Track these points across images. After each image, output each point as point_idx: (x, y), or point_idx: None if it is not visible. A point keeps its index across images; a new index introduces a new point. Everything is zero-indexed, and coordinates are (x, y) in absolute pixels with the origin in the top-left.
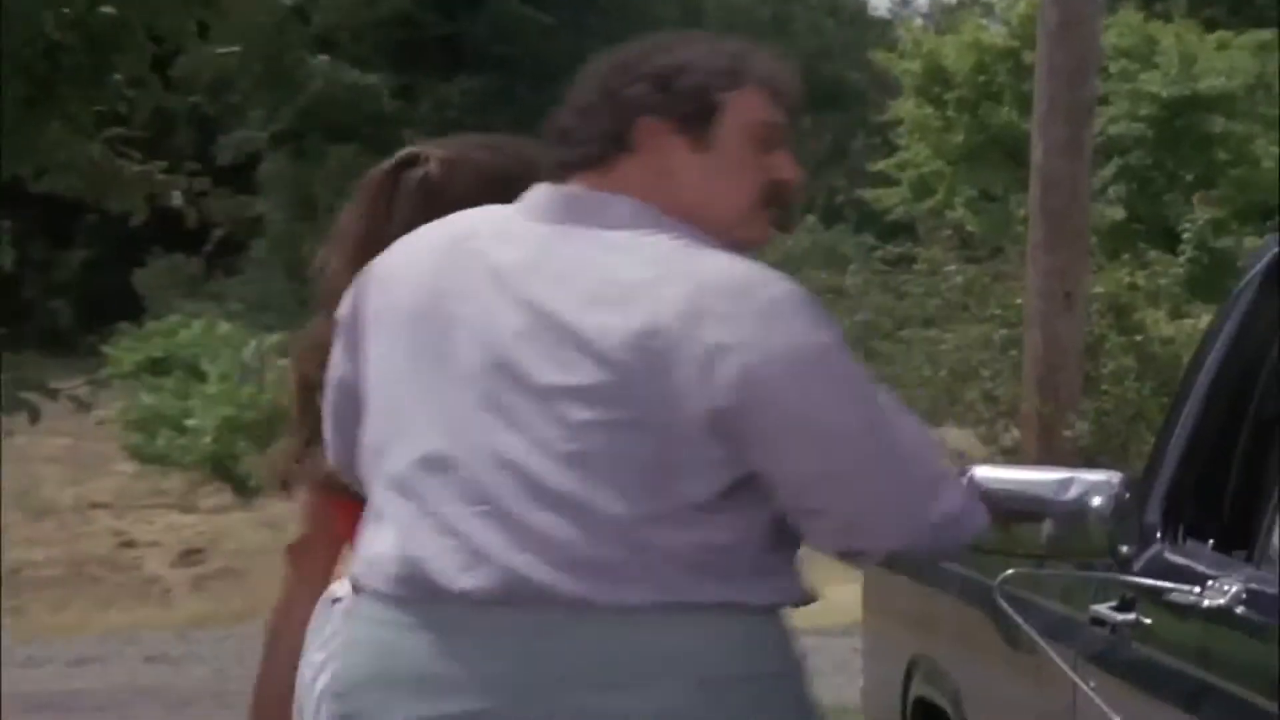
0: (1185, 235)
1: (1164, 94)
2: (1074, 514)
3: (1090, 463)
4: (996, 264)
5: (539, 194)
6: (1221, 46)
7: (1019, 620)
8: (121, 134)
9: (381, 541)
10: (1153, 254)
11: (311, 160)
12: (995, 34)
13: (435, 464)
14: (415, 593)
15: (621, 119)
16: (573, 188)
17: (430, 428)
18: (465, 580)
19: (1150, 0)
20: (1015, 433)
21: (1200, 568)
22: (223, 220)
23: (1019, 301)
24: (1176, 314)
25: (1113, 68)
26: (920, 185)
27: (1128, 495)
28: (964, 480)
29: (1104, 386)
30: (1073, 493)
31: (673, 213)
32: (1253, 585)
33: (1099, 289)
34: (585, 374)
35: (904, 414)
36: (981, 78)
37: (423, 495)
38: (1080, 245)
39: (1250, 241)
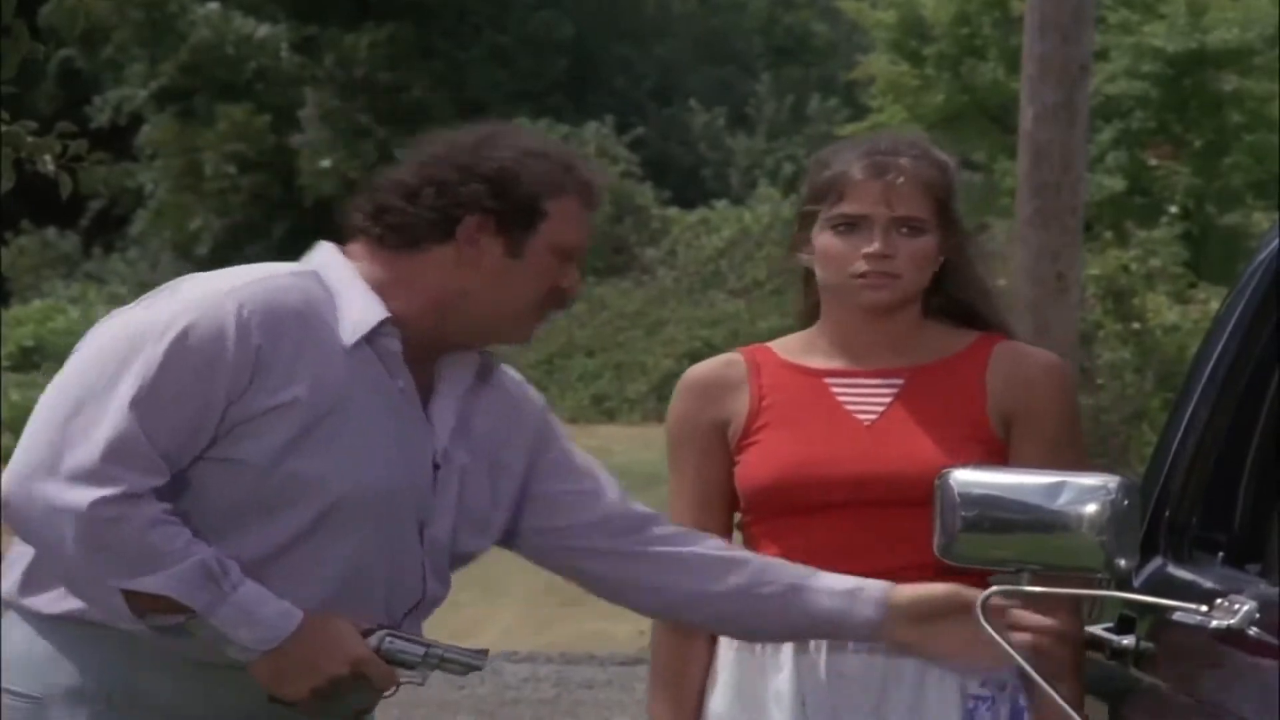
0: (1172, 209)
1: (1169, 48)
2: (1065, 523)
3: (1089, 467)
4: (980, 242)
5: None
6: None
7: (1004, 643)
8: None
9: None
10: (1142, 233)
11: (199, 122)
12: None
13: None
14: None
15: (451, 212)
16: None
17: None
18: None
19: None
20: None
21: (1208, 584)
22: (101, 190)
23: (1003, 283)
24: (1181, 298)
25: (1112, 18)
26: None
27: (1126, 503)
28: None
29: (1100, 380)
30: (1064, 499)
31: (470, 303)
32: (1268, 603)
33: (1095, 271)
34: None
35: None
36: (964, 30)
37: None
38: (1074, 222)
39: (1259, 218)
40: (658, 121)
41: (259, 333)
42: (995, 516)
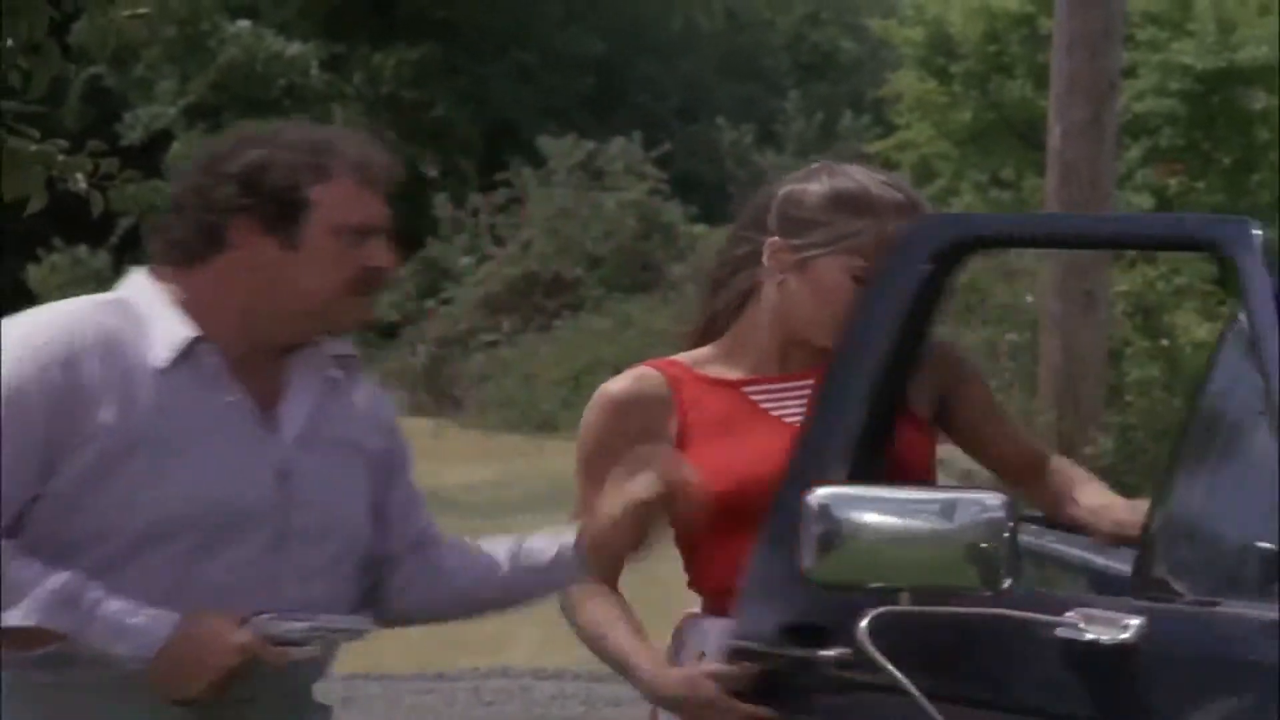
0: None
1: (1198, 65)
2: (942, 541)
3: (1117, 483)
4: (1007, 259)
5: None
6: (1264, 11)
7: (889, 667)
8: (16, 108)
9: None
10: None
11: None
12: None
13: None
14: None
15: (214, 220)
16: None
17: None
18: None
19: None
20: None
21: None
22: (131, 207)
23: (1030, 300)
24: (1210, 315)
25: (1140, 36)
26: (922, 169)
27: (1006, 520)
28: None
29: (1129, 398)
30: (943, 516)
31: (267, 304)
32: (1154, 613)
33: (1123, 288)
34: None
35: None
36: (992, 48)
37: None
38: None
39: None
40: (684, 138)
41: (59, 372)
42: (866, 535)
